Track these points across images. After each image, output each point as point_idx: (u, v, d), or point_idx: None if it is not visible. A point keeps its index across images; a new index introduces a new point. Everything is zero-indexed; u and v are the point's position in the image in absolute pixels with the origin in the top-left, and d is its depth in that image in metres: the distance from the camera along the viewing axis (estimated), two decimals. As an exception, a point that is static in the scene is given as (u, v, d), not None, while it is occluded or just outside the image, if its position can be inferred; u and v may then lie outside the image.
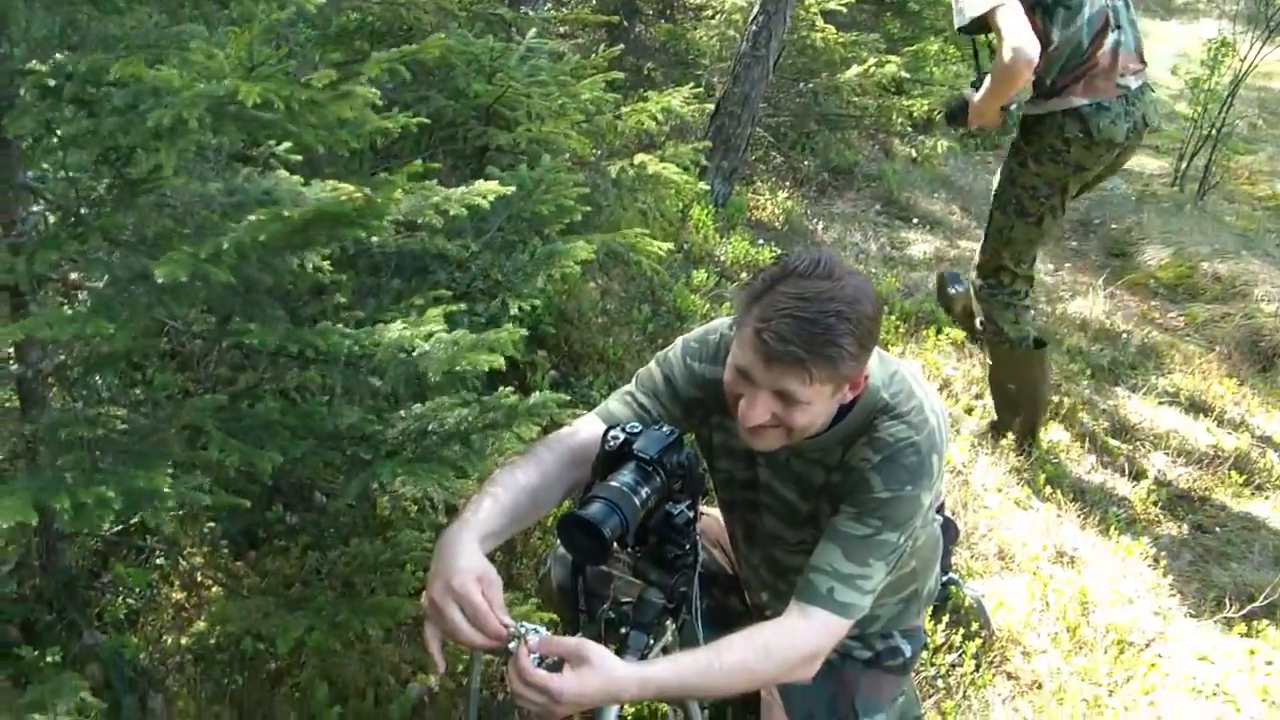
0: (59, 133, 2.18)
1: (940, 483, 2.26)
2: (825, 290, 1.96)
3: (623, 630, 2.14)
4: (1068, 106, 3.97)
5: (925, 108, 7.54)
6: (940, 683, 3.18)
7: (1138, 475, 4.60)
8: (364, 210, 2.03)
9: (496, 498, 2.09)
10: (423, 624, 1.98)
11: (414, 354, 2.23)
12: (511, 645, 1.85)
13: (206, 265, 1.82)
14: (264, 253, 1.93)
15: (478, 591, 1.89)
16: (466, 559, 1.93)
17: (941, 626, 3.29)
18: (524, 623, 1.87)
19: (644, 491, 1.99)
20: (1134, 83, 4.01)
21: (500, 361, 2.32)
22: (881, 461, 2.14)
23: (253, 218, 1.89)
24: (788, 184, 7.33)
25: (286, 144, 2.55)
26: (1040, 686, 3.29)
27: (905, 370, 2.27)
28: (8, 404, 3.16)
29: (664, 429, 2.10)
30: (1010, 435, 4.56)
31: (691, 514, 2.09)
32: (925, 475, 2.15)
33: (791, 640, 2.13)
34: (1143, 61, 4.08)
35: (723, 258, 5.87)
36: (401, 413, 2.53)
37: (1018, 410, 4.58)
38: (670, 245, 3.58)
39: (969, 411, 4.83)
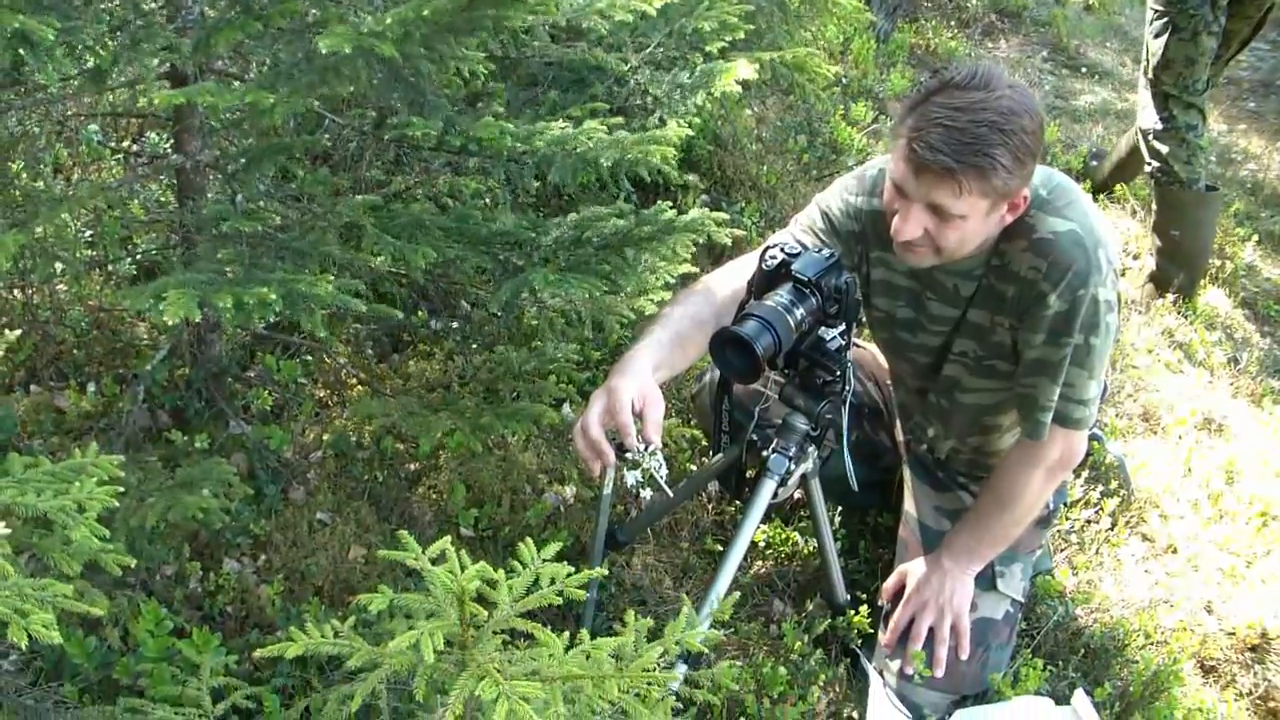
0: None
1: (1119, 281, 2.20)
2: (978, 100, 1.91)
3: (764, 453, 2.13)
4: None
5: (1108, -51, 7.14)
6: (1074, 537, 3.13)
7: (1299, 347, 4.42)
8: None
9: (665, 329, 2.15)
10: (563, 434, 2.05)
11: (577, 150, 2.20)
12: (629, 478, 2.01)
13: (370, 39, 1.79)
14: (427, 29, 1.88)
15: (628, 403, 1.95)
16: (632, 375, 2.00)
17: (1080, 482, 3.23)
18: (649, 449, 1.96)
19: (799, 312, 1.96)
20: None
21: (670, 153, 2.28)
22: (1049, 269, 2.09)
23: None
24: (953, 24, 7.05)
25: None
26: (1176, 551, 3.21)
27: (1064, 176, 2.21)
28: (163, 198, 3.24)
29: (823, 252, 2.06)
30: (1167, 295, 4.40)
31: (844, 340, 2.05)
32: (1095, 270, 2.09)
33: (1033, 465, 2.34)
34: None
35: (881, 94, 5.68)
36: (557, 220, 2.51)
37: (1180, 260, 4.42)
38: (838, 69, 3.45)
39: (1122, 274, 4.65)
